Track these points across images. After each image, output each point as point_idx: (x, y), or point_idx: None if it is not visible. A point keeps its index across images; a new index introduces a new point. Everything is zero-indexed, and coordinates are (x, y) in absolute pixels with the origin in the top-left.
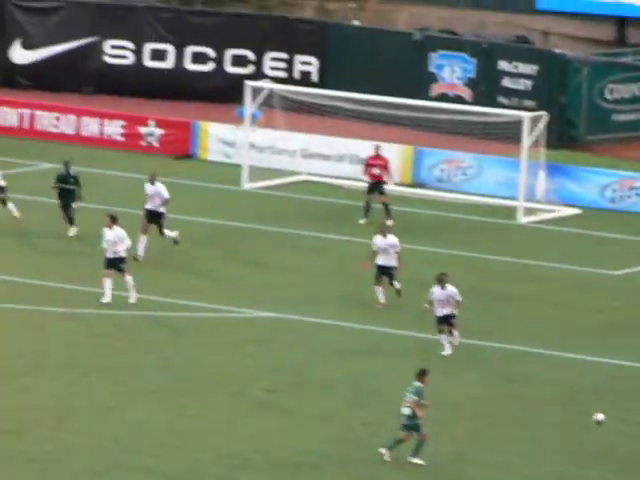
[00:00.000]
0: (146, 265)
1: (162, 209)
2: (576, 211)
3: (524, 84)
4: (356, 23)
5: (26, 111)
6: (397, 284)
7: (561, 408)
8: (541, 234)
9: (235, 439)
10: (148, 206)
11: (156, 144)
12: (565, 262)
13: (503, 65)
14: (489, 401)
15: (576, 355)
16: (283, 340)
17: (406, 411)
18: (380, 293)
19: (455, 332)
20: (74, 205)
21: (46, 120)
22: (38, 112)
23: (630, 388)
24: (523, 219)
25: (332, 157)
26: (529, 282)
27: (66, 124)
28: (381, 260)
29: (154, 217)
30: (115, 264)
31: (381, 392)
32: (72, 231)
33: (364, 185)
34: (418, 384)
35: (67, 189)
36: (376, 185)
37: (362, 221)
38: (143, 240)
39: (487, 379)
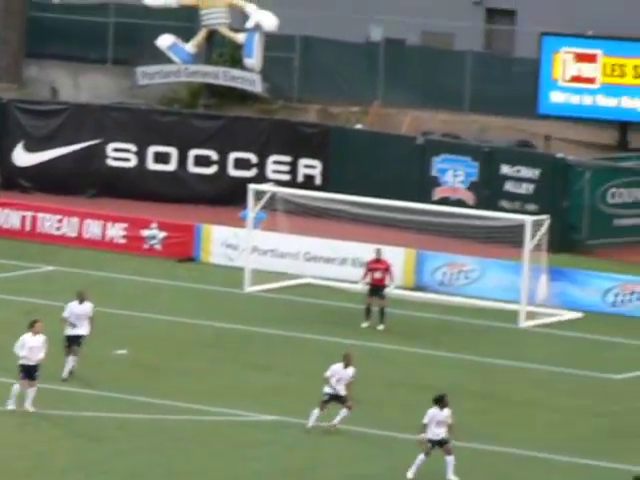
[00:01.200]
0: (150, 368)
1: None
2: (577, 315)
3: (526, 188)
4: (359, 127)
5: (28, 213)
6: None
7: None
8: (542, 338)
9: None
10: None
11: (158, 247)
12: (566, 366)
13: (505, 169)
14: None
15: (577, 459)
16: (286, 443)
17: None
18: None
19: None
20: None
21: (48, 222)
22: (40, 214)
23: None
24: (524, 323)
25: (335, 260)
26: (530, 386)
27: (68, 227)
28: (330, 388)
29: (76, 340)
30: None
31: None
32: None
33: (365, 288)
34: None
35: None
36: (378, 289)
37: (364, 324)
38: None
39: None
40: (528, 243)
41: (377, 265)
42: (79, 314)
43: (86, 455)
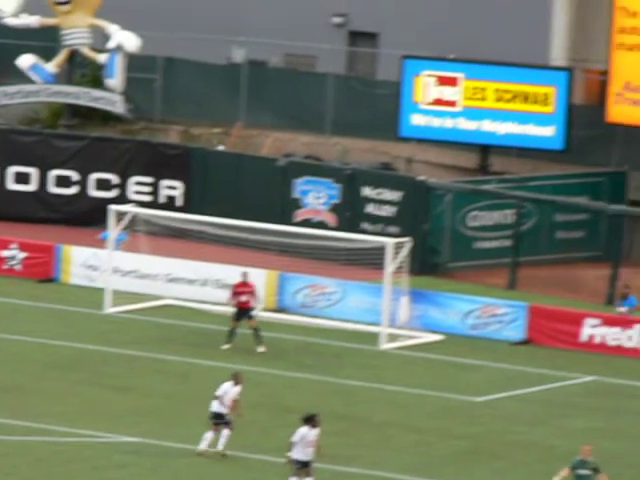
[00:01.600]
0: (9, 389)
1: None
2: (438, 337)
3: (388, 210)
4: (221, 148)
5: None
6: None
7: None
8: (403, 360)
9: None
10: None
11: (19, 267)
12: (427, 388)
13: (367, 191)
14: None
15: None
16: (145, 465)
17: None
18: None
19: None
20: None
21: None
22: None
23: None
24: (386, 345)
25: (196, 281)
26: (391, 408)
27: None
28: (222, 407)
29: None
30: None
31: None
32: None
33: (228, 310)
34: None
35: None
36: (244, 312)
37: (226, 347)
38: None
39: None
40: (389, 265)
41: (243, 288)
42: None
43: None
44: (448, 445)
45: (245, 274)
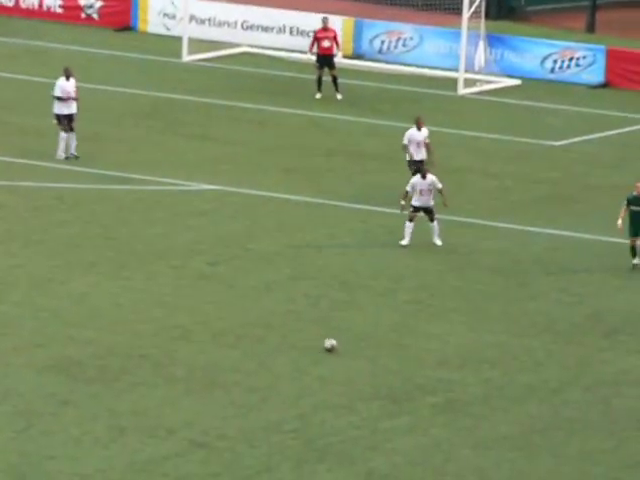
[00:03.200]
0: (89, 139)
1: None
2: (516, 82)
3: None
4: None
5: None
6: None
7: (502, 278)
8: (481, 105)
9: (176, 311)
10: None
11: (96, 16)
12: (505, 133)
13: None
14: (430, 272)
15: (516, 226)
16: (224, 212)
17: None
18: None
19: (435, 222)
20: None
21: None
22: None
23: (569, 258)
24: (463, 90)
25: (272, 29)
26: (469, 153)
27: None
28: (409, 155)
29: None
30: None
31: (322, 264)
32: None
33: (304, 57)
34: None
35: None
36: (326, 58)
37: (318, 95)
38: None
39: (428, 250)
40: (466, 10)
41: (325, 34)
42: (67, 90)
43: (23, 224)
44: (527, 189)
45: (325, 19)
